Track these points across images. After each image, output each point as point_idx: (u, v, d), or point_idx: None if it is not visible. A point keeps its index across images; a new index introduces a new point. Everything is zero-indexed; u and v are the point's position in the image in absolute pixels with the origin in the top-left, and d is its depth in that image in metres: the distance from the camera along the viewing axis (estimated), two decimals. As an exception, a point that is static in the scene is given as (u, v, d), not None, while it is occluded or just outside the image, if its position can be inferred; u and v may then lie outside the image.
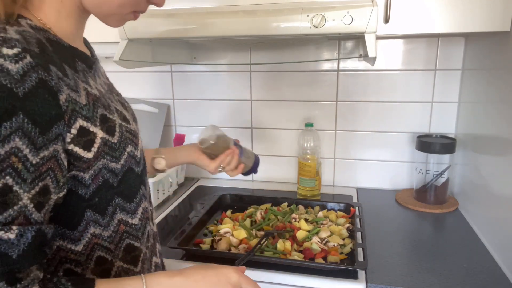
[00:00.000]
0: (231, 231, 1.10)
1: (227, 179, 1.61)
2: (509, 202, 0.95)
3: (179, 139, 1.48)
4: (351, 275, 0.92)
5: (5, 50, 0.46)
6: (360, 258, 0.98)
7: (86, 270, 0.57)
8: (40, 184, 0.47)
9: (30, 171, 0.46)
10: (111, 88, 0.69)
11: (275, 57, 1.48)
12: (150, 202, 0.72)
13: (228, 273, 0.60)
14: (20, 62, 0.46)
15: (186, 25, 1.01)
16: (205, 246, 1.06)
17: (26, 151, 0.46)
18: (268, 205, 1.29)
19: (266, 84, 1.52)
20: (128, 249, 0.63)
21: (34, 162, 0.46)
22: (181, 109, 1.61)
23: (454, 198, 1.36)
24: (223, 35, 0.99)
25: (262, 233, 1.09)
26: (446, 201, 1.34)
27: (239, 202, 1.36)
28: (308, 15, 0.92)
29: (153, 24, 1.03)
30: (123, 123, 0.61)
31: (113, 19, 0.62)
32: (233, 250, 1.03)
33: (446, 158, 1.30)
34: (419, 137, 1.35)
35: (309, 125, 1.40)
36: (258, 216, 1.20)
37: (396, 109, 1.43)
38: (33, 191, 0.47)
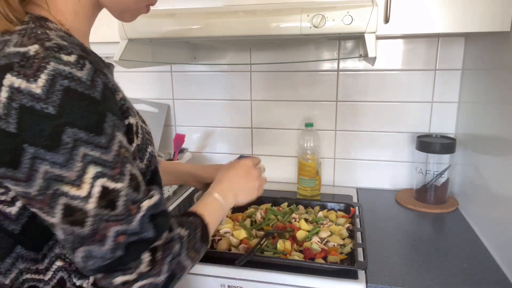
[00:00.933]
0: (231, 231, 1.10)
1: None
2: (509, 202, 0.95)
3: (179, 139, 1.48)
4: (351, 275, 0.92)
5: (65, 57, 0.47)
6: (360, 258, 0.98)
7: None
8: (135, 162, 0.57)
9: (132, 156, 0.55)
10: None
11: (275, 57, 1.48)
12: None
13: (246, 162, 0.86)
14: (84, 69, 0.48)
15: (186, 25, 1.01)
16: (205, 246, 1.06)
17: (125, 141, 0.52)
18: (268, 205, 1.29)
19: (266, 84, 1.52)
20: None
21: (132, 149, 0.56)
22: (181, 109, 1.61)
23: (454, 198, 1.36)
24: (223, 35, 0.99)
25: (262, 233, 1.09)
26: (446, 201, 1.33)
27: (239, 202, 1.36)
28: (308, 15, 0.92)
29: (153, 24, 1.03)
30: (143, 125, 0.64)
31: (129, 14, 0.64)
32: (233, 250, 1.03)
33: (446, 158, 1.30)
34: (419, 137, 1.35)
35: (309, 125, 1.40)
36: (258, 216, 1.20)
37: (396, 109, 1.43)
38: (138, 167, 0.57)
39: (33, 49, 0.47)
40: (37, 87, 0.45)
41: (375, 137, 1.47)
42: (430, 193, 1.33)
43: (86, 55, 0.50)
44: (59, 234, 0.49)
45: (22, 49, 0.47)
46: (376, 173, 1.50)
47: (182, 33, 1.02)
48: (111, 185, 0.49)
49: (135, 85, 1.62)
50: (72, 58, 0.47)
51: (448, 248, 1.06)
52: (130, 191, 0.51)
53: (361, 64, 1.42)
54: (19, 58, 0.46)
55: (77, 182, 0.47)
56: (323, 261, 0.97)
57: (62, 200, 0.47)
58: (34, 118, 0.45)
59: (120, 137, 0.51)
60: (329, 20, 0.91)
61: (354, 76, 1.44)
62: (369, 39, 0.92)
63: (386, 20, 1.01)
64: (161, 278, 0.54)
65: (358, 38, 1.31)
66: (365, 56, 0.97)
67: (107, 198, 0.48)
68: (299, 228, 1.11)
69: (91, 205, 0.47)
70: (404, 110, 1.43)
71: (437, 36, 1.34)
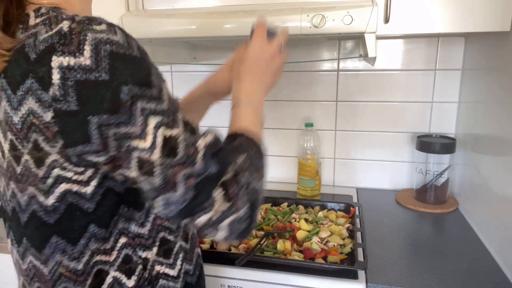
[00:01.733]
0: (231, 231, 1.10)
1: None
2: (509, 202, 0.95)
3: (179, 139, 1.48)
4: (351, 275, 0.92)
5: (98, 27, 0.49)
6: (360, 258, 0.98)
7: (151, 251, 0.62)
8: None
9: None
10: None
11: (275, 57, 1.48)
12: None
13: (266, 50, 0.73)
14: (118, 33, 0.50)
15: (186, 25, 1.01)
16: (205, 246, 1.06)
17: (170, 90, 0.55)
18: (268, 205, 1.29)
19: (266, 84, 1.52)
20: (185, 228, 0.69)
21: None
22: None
23: (454, 198, 1.36)
24: (223, 35, 0.99)
25: (262, 233, 1.09)
26: (446, 201, 1.34)
27: (239, 202, 1.36)
28: (308, 15, 0.92)
29: (153, 24, 1.03)
30: None
31: None
32: (233, 250, 1.03)
33: (446, 158, 1.30)
34: (419, 137, 1.35)
35: (309, 125, 1.40)
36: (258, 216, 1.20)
37: (396, 109, 1.43)
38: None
39: (65, 26, 0.48)
40: (85, 59, 0.47)
41: (375, 137, 1.47)
42: (430, 193, 1.33)
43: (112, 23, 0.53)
44: (143, 186, 0.53)
45: (55, 29, 0.48)
46: (376, 173, 1.50)
47: (182, 33, 1.02)
48: (169, 132, 0.51)
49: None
50: (103, 27, 0.49)
51: (448, 248, 1.06)
52: (187, 136, 0.54)
53: (361, 64, 1.42)
54: (57, 38, 0.48)
55: (142, 135, 0.50)
56: (323, 261, 0.97)
57: (135, 154, 0.50)
58: (92, 89, 0.47)
59: (166, 86, 0.54)
60: (329, 20, 0.91)
61: (354, 76, 1.44)
62: (369, 39, 0.92)
63: (386, 20, 1.01)
64: (242, 211, 0.56)
65: (358, 38, 1.31)
66: (365, 56, 0.97)
67: (169, 145, 0.51)
68: (299, 228, 1.11)
69: (156, 155, 0.50)
70: (404, 110, 1.43)
71: (437, 36, 1.34)
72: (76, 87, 0.47)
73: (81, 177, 0.52)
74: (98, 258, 0.57)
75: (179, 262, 0.65)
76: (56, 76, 0.47)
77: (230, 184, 0.56)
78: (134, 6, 1.15)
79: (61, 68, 0.47)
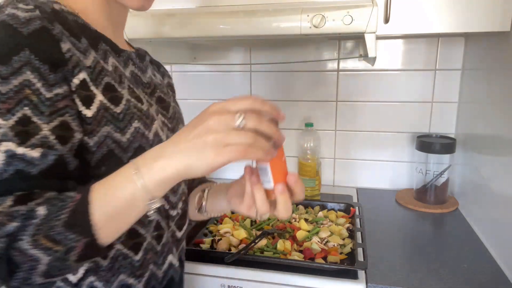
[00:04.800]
0: (231, 231, 1.10)
1: (227, 179, 1.61)
2: (509, 202, 0.95)
3: (179, 139, 1.48)
4: (351, 275, 0.92)
5: (21, 5, 0.51)
6: (360, 258, 0.98)
7: None
8: (59, 118, 0.50)
9: (46, 104, 0.49)
10: (145, 83, 0.71)
11: (275, 57, 1.48)
12: (168, 198, 0.68)
13: (210, 106, 0.50)
14: (30, 13, 0.50)
15: (186, 25, 1.01)
16: (205, 246, 1.06)
17: (38, 84, 0.49)
18: (268, 205, 1.29)
19: (266, 84, 1.52)
20: (132, 234, 0.60)
21: (48, 96, 0.49)
22: (181, 109, 1.61)
23: (454, 198, 1.36)
24: (223, 35, 0.99)
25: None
26: (446, 201, 1.33)
27: (239, 202, 1.36)
28: (308, 15, 0.92)
29: (153, 24, 1.03)
30: (132, 99, 0.61)
31: None
32: (233, 250, 1.03)
33: (446, 158, 1.30)
34: (419, 137, 1.35)
35: (309, 125, 1.40)
36: (258, 216, 1.20)
37: (396, 109, 1.43)
38: (53, 123, 0.49)
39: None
40: None
41: (375, 137, 1.47)
42: (430, 193, 1.33)
43: (50, 12, 0.53)
44: None
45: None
46: (376, 173, 1.50)
47: (182, 33, 1.02)
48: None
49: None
50: (26, 6, 0.51)
51: (448, 248, 1.06)
52: (8, 132, 0.46)
53: (361, 64, 1.42)
54: None
55: None
56: (323, 261, 0.97)
57: None
58: None
59: (32, 78, 0.49)
60: (329, 20, 0.91)
61: (354, 76, 1.44)
62: (369, 39, 0.92)
63: (386, 20, 1.01)
64: None
65: (358, 38, 1.31)
66: (365, 56, 0.97)
67: None
68: (299, 228, 1.11)
69: None
70: (404, 110, 1.43)
71: (437, 36, 1.34)
72: None
73: None
74: None
75: None
76: None
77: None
78: (134, 6, 1.15)
79: None
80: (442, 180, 1.32)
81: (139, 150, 0.58)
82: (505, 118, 1.00)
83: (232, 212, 1.27)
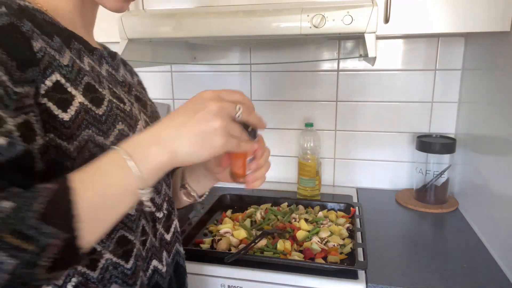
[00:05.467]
0: (231, 231, 1.10)
1: (227, 179, 1.61)
2: (509, 202, 0.95)
3: (179, 139, 1.48)
4: (351, 275, 0.92)
5: None
6: (360, 258, 0.98)
7: None
8: (23, 116, 0.45)
9: (12, 98, 0.44)
10: (121, 82, 0.68)
11: (275, 57, 1.48)
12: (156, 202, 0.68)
13: (202, 92, 0.50)
14: None
15: (186, 25, 1.01)
16: (205, 246, 1.06)
17: (5, 78, 0.43)
18: (268, 205, 1.29)
19: (266, 84, 1.52)
20: (121, 242, 0.57)
21: (15, 90, 0.44)
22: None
23: (454, 198, 1.36)
24: (223, 35, 0.99)
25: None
26: (446, 201, 1.34)
27: (239, 202, 1.36)
28: (308, 15, 0.92)
29: (153, 24, 1.03)
30: (114, 100, 0.58)
31: None
32: (233, 250, 1.03)
33: (446, 158, 1.30)
34: (419, 137, 1.35)
35: (309, 125, 1.40)
36: (258, 216, 1.20)
37: (396, 109, 1.43)
38: (17, 119, 0.44)
39: None
40: None
41: (375, 137, 1.47)
42: (430, 193, 1.33)
43: (17, 9, 0.49)
44: None
45: None
46: (376, 173, 1.50)
47: (182, 33, 1.02)
48: None
49: (135, 85, 1.62)
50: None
51: (448, 248, 1.06)
52: None
53: (361, 64, 1.42)
54: None
55: None
56: (323, 261, 0.97)
57: None
58: None
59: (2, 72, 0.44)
60: (329, 20, 0.91)
61: (354, 76, 1.44)
62: (369, 39, 0.92)
63: (386, 20, 1.01)
64: None
65: (358, 38, 1.31)
66: (365, 56, 0.97)
67: None
68: (299, 228, 1.11)
69: None
70: (404, 110, 1.43)
71: (437, 36, 1.34)
72: None
73: None
74: None
75: None
76: None
77: None
78: (134, 6, 1.15)
79: None
80: (442, 180, 1.32)
81: None
82: (505, 118, 1.00)
83: (232, 212, 1.27)
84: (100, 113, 0.54)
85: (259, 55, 1.50)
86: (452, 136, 1.38)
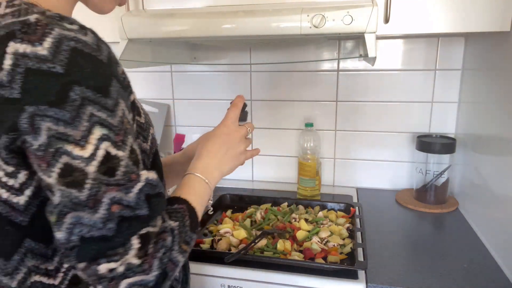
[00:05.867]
0: (231, 231, 1.10)
1: (227, 179, 1.61)
2: (509, 202, 0.95)
3: (179, 139, 1.48)
4: (351, 275, 0.92)
5: (68, 25, 0.47)
6: (360, 258, 0.98)
7: None
8: (138, 141, 0.58)
9: (136, 130, 0.57)
10: None
11: (275, 57, 1.48)
12: None
13: (226, 126, 0.77)
14: (88, 35, 0.47)
15: (186, 25, 1.01)
16: (205, 246, 1.06)
17: (127, 112, 0.50)
18: (268, 205, 1.29)
19: (266, 84, 1.52)
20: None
21: (133, 125, 0.55)
22: (181, 109, 1.61)
23: (454, 198, 1.36)
24: (223, 35, 0.99)
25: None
26: (446, 201, 1.34)
27: (239, 202, 1.36)
28: (308, 15, 0.92)
29: (153, 24, 1.03)
30: (141, 106, 0.65)
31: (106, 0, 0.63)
32: (233, 250, 1.03)
33: (446, 158, 1.30)
34: (419, 137, 1.35)
35: (309, 125, 1.40)
36: (258, 216, 1.20)
37: (396, 109, 1.43)
38: (142, 146, 0.60)
39: (33, 17, 0.45)
40: (43, 49, 0.43)
41: (375, 137, 1.47)
42: (430, 193, 1.33)
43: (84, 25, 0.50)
44: (56, 197, 0.45)
45: (21, 18, 0.45)
46: (376, 173, 1.50)
47: (182, 33, 1.02)
48: (113, 151, 0.46)
49: (135, 85, 1.60)
50: (74, 27, 0.47)
51: (448, 248, 1.06)
52: (129, 163, 0.48)
53: (361, 64, 1.42)
54: (19, 25, 0.45)
55: (81, 142, 0.44)
56: (323, 261, 0.97)
57: (63, 159, 0.44)
58: (40, 78, 0.43)
59: (123, 105, 0.49)
60: (329, 20, 0.91)
61: (354, 76, 1.44)
62: (369, 39, 0.92)
63: (386, 20, 1.01)
64: (152, 275, 0.47)
65: (358, 38, 1.31)
66: (365, 56, 0.97)
67: (108, 164, 0.45)
68: (299, 228, 1.11)
69: (92, 168, 0.44)
70: (404, 110, 1.43)
71: (437, 36, 1.34)
72: (25, 74, 0.43)
73: (11, 181, 0.47)
74: (38, 278, 0.51)
75: None
76: (7, 62, 0.43)
77: (151, 240, 0.48)
78: (134, 6, 1.15)
79: (15, 54, 0.43)
80: (442, 180, 1.32)
81: (156, 155, 0.65)
82: (505, 118, 1.00)
83: (232, 212, 1.27)
84: (143, 121, 0.62)
85: (259, 55, 1.50)
86: (452, 136, 1.38)
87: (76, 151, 0.44)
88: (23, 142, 0.45)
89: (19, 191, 0.48)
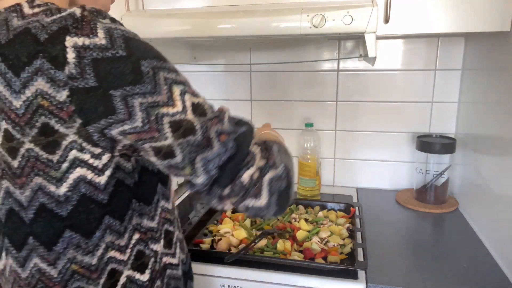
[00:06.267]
0: (231, 231, 1.10)
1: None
2: (509, 202, 0.95)
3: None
4: (351, 275, 0.92)
5: (103, 20, 0.51)
6: (360, 258, 0.98)
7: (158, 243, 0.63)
8: None
9: None
10: None
11: (275, 57, 1.48)
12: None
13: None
14: (121, 24, 0.53)
15: (186, 25, 1.01)
16: (205, 246, 1.06)
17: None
18: (268, 205, 1.29)
19: (266, 84, 1.52)
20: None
21: None
22: (181, 109, 1.61)
23: (454, 198, 1.36)
24: (223, 35, 0.99)
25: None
26: (446, 201, 1.33)
27: (239, 202, 1.36)
28: (308, 15, 0.92)
29: (153, 24, 1.03)
30: None
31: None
32: (233, 250, 1.03)
33: (446, 158, 1.30)
34: (419, 137, 1.35)
35: (309, 125, 1.40)
36: (258, 216, 1.20)
37: (396, 109, 1.43)
38: None
39: (77, 11, 0.49)
40: (100, 39, 0.48)
41: (375, 137, 1.47)
42: (430, 193, 1.33)
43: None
44: (177, 154, 0.52)
45: (66, 13, 0.49)
46: (376, 173, 1.50)
47: (182, 33, 1.02)
48: (195, 99, 0.54)
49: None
50: (108, 20, 0.51)
51: (448, 248, 1.06)
52: (208, 103, 0.57)
53: (361, 64, 1.42)
54: (71, 20, 0.48)
55: (170, 102, 0.51)
56: (323, 261, 0.97)
57: (166, 120, 0.51)
58: (111, 65, 0.48)
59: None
60: (329, 20, 0.91)
61: (354, 76, 1.44)
62: (369, 39, 0.92)
63: (386, 20, 1.01)
64: (281, 168, 0.59)
65: (358, 38, 1.31)
66: (365, 56, 0.97)
67: (198, 109, 0.54)
68: (299, 228, 1.11)
69: (190, 115, 0.52)
70: (404, 110, 1.43)
71: (437, 36, 1.34)
72: (92, 64, 0.47)
73: (96, 162, 0.51)
74: (112, 254, 0.56)
75: (178, 251, 0.67)
76: (71, 55, 0.47)
77: (262, 145, 0.59)
78: (134, 6, 1.15)
79: (75, 47, 0.47)
80: (442, 180, 1.32)
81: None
82: (505, 118, 1.00)
83: (232, 212, 1.27)
84: None
85: (259, 55, 1.50)
86: (452, 136, 1.38)
87: (170, 110, 0.51)
88: (121, 132, 0.50)
89: (101, 171, 0.52)
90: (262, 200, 0.57)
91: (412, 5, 1.01)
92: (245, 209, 0.59)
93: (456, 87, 1.37)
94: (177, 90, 0.52)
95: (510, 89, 0.97)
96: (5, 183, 0.53)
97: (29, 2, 0.52)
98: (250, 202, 0.57)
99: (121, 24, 0.53)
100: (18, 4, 0.52)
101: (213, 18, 0.99)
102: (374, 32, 0.92)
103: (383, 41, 1.38)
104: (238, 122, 0.58)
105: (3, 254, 0.58)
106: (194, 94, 0.55)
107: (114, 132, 0.50)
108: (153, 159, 0.54)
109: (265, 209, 0.58)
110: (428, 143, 1.30)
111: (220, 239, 1.06)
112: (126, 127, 0.50)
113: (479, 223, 1.15)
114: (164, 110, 0.50)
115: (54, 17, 0.48)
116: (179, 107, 0.52)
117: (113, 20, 0.52)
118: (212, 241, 1.08)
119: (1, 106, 0.50)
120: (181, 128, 0.51)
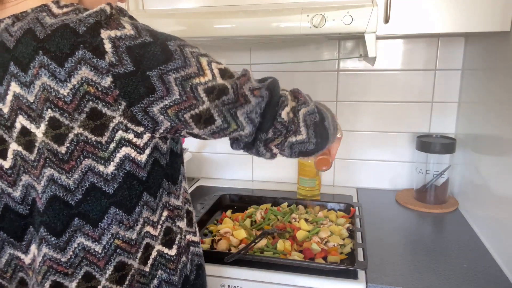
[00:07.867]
0: (231, 231, 1.10)
1: (227, 179, 1.61)
2: (509, 202, 0.95)
3: (179, 139, 1.48)
4: (351, 275, 0.92)
5: (124, 18, 0.56)
6: (360, 258, 0.98)
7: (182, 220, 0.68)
8: None
9: None
10: None
11: (275, 57, 1.48)
12: None
13: None
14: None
15: (186, 25, 1.01)
16: (205, 246, 1.06)
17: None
18: (268, 205, 1.29)
19: (266, 84, 1.52)
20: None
21: None
22: None
23: (454, 198, 1.36)
24: (223, 35, 0.99)
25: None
26: (446, 201, 1.34)
27: (239, 202, 1.36)
28: (308, 15, 0.92)
29: (154, 24, 1.02)
30: None
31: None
32: (233, 250, 1.03)
33: (446, 158, 1.30)
34: (419, 137, 1.35)
35: (309, 125, 1.40)
36: (258, 216, 1.20)
37: (396, 109, 1.43)
38: None
39: (108, 8, 0.54)
40: (128, 30, 0.53)
41: (375, 137, 1.47)
42: (430, 193, 1.33)
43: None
44: (216, 118, 0.57)
45: (99, 8, 0.53)
46: (376, 173, 1.50)
47: (182, 33, 1.02)
48: (219, 65, 0.60)
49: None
50: (127, 18, 0.56)
51: (448, 248, 1.06)
52: (232, 70, 0.62)
53: (361, 64, 1.42)
54: (104, 15, 0.53)
55: (200, 72, 0.56)
56: (323, 261, 0.97)
57: (200, 88, 0.56)
58: (142, 50, 0.53)
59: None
60: (329, 20, 0.91)
61: (354, 76, 1.44)
62: (369, 39, 0.92)
63: (386, 20, 1.01)
64: (311, 105, 0.68)
65: (358, 38, 1.31)
66: (365, 56, 0.97)
67: (225, 73, 0.59)
68: (299, 228, 1.11)
69: (219, 79, 0.58)
70: (404, 110, 1.43)
71: (437, 36, 1.34)
72: (127, 51, 0.52)
73: (139, 141, 0.55)
74: (148, 229, 0.60)
75: (197, 230, 0.73)
76: (108, 46, 0.51)
77: (289, 91, 0.68)
78: (134, 6, 1.15)
79: (110, 38, 0.52)
80: (442, 180, 1.32)
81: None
82: (505, 118, 1.00)
83: (232, 212, 1.27)
84: None
85: (259, 55, 1.50)
86: (452, 136, 1.38)
87: (202, 79, 0.56)
88: (162, 108, 0.54)
89: (142, 150, 0.56)
90: (302, 134, 0.65)
91: (412, 5, 1.01)
92: (290, 147, 0.65)
93: (456, 87, 1.37)
94: (204, 61, 0.58)
95: (510, 89, 0.97)
96: (48, 171, 0.54)
97: (55, 2, 0.56)
98: (292, 138, 0.64)
99: (137, 21, 0.58)
100: (45, 5, 0.56)
101: (213, 18, 0.99)
102: (374, 32, 0.92)
103: (383, 41, 1.38)
104: (262, 79, 0.65)
105: (33, 246, 0.59)
106: (218, 62, 0.60)
107: (156, 109, 0.54)
108: (196, 130, 0.58)
109: (307, 142, 0.66)
110: (428, 143, 1.30)
111: (220, 239, 1.06)
112: (166, 102, 0.54)
113: (479, 223, 1.15)
114: (197, 80, 0.55)
115: (88, 12, 0.53)
116: (209, 75, 0.57)
117: (131, 17, 0.58)
118: (212, 241, 1.08)
119: (46, 96, 0.52)
120: (214, 91, 0.56)
